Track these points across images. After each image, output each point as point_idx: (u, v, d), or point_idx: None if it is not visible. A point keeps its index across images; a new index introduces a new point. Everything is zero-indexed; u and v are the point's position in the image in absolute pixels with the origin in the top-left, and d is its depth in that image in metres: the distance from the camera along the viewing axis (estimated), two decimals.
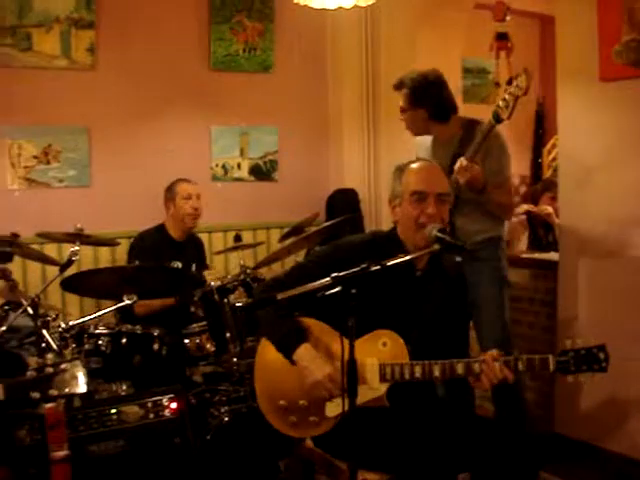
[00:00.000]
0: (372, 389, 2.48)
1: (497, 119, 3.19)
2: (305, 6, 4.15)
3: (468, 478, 2.56)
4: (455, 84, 5.25)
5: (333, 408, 2.52)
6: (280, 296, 2.19)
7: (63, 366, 2.14)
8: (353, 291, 2.14)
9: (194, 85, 5.27)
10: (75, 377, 2.20)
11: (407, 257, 2.39)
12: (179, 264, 4.37)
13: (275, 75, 5.57)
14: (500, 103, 3.17)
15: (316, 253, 2.83)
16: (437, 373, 2.44)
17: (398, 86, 3.66)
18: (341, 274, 2.17)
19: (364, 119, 5.62)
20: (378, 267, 2.24)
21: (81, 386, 2.20)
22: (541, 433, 4.09)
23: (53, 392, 2.17)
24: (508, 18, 5.26)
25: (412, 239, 2.60)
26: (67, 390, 2.18)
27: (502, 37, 5.44)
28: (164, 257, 4.30)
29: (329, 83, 5.75)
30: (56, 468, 2.49)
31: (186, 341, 3.91)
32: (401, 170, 2.68)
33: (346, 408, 2.38)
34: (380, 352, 2.50)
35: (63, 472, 2.48)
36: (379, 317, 2.52)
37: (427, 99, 3.57)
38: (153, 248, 4.33)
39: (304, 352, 2.52)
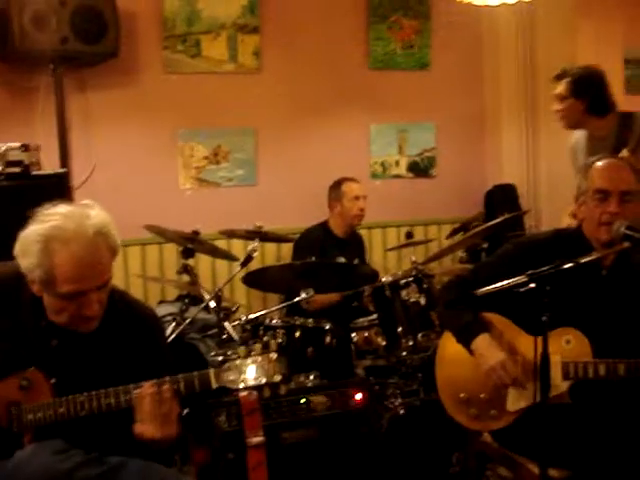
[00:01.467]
0: (554, 386, 2.47)
1: None
2: (461, 2, 4.16)
3: None
4: (617, 75, 5.14)
5: (514, 402, 2.54)
6: (478, 293, 2.24)
7: (268, 356, 2.27)
8: (547, 288, 2.17)
9: (354, 84, 5.37)
10: (269, 367, 2.32)
11: (599, 254, 2.38)
12: (342, 260, 4.49)
13: (432, 72, 5.60)
14: None
15: (499, 252, 2.84)
16: (622, 372, 2.42)
17: (561, 75, 3.66)
18: (536, 271, 2.19)
19: (522, 113, 5.57)
20: (571, 264, 2.25)
21: (277, 376, 2.32)
22: None
23: (250, 381, 2.31)
24: None
25: (596, 237, 2.58)
26: (262, 379, 2.31)
27: None
28: (328, 253, 4.44)
29: (486, 78, 5.71)
30: (252, 453, 2.64)
31: (353, 335, 4.01)
32: (588, 167, 2.66)
33: (528, 403, 2.44)
34: (563, 349, 2.49)
35: (258, 457, 2.64)
36: (564, 315, 2.50)
37: (589, 90, 3.57)
38: (318, 245, 4.49)
39: (481, 341, 2.55)
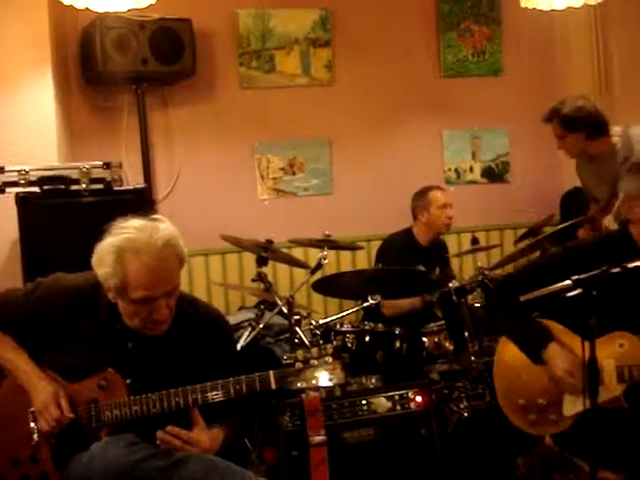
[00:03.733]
0: (609, 390, 2.49)
1: None
2: (533, 8, 4.19)
3: None
4: None
5: (570, 407, 2.58)
6: (523, 298, 2.30)
7: (324, 359, 2.39)
8: (594, 292, 2.21)
9: (426, 92, 5.43)
10: (334, 371, 2.45)
11: None
12: (422, 268, 4.54)
13: (504, 78, 5.61)
14: None
15: (549, 254, 2.90)
16: None
17: (549, 117, 3.83)
18: (582, 276, 2.22)
19: None
20: (618, 269, 2.28)
21: (339, 379, 2.45)
22: None
23: (313, 383, 2.44)
24: None
25: None
26: (326, 381, 2.44)
27: None
28: (409, 261, 4.45)
29: (559, 82, 5.65)
30: (315, 451, 2.77)
31: (424, 339, 4.09)
32: None
33: (583, 408, 2.45)
34: (617, 353, 2.51)
35: (321, 455, 2.76)
36: (616, 319, 2.52)
37: (582, 121, 3.72)
38: (400, 252, 4.56)
39: (552, 350, 2.59)
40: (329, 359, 2.42)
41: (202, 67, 4.76)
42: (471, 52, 5.52)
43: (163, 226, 2.36)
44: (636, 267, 2.34)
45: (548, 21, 5.37)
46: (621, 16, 5.25)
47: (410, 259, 4.50)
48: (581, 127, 3.73)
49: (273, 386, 2.38)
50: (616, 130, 3.81)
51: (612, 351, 2.52)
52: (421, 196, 4.72)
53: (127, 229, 2.34)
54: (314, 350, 2.40)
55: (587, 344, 2.22)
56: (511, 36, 5.57)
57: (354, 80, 5.28)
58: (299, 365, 2.41)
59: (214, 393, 2.36)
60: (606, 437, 2.35)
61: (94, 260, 2.35)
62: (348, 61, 5.25)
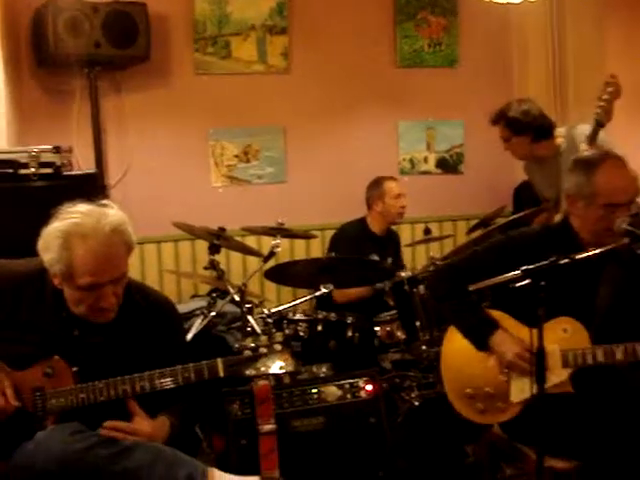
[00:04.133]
0: (555, 375, 2.53)
1: (600, 124, 3.30)
2: (490, 0, 4.22)
3: None
4: None
5: (517, 393, 2.62)
6: (472, 287, 2.32)
7: (273, 347, 2.40)
8: (542, 283, 2.23)
9: (382, 82, 5.45)
10: (282, 358, 2.45)
11: (597, 251, 2.43)
12: (376, 257, 4.58)
13: (460, 69, 5.65)
14: (598, 110, 3.25)
15: (491, 243, 2.92)
16: (620, 356, 2.48)
17: (496, 120, 3.89)
18: (531, 267, 2.25)
19: (551, 111, 5.54)
20: (567, 260, 2.31)
21: (289, 367, 2.46)
22: None
23: (262, 370, 2.45)
24: None
25: (600, 242, 2.57)
26: (276, 369, 2.44)
27: None
28: (364, 250, 4.50)
29: (514, 75, 5.74)
30: (264, 440, 2.76)
31: (377, 329, 4.11)
32: (592, 167, 2.63)
33: (530, 394, 2.48)
34: (561, 339, 2.55)
35: (271, 444, 2.75)
36: (560, 305, 2.54)
37: (528, 124, 3.78)
38: (354, 241, 4.58)
39: (498, 337, 2.64)
40: (278, 347, 2.43)
41: (157, 52, 4.70)
42: (427, 43, 5.55)
43: (111, 212, 2.32)
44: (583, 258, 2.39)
45: (504, 14, 5.43)
46: (576, 11, 5.31)
47: (364, 248, 4.53)
48: (526, 130, 3.79)
49: (221, 374, 2.37)
50: (560, 131, 3.88)
51: (556, 336, 2.56)
52: (376, 186, 4.75)
53: (74, 214, 2.29)
54: (263, 338, 2.41)
55: (534, 331, 2.25)
56: (467, 28, 5.62)
57: (310, 68, 5.27)
58: (248, 353, 2.41)
59: (162, 381, 2.35)
60: (554, 423, 2.37)
61: (40, 245, 2.31)
62: (304, 49, 5.25)
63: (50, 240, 2.27)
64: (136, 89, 4.86)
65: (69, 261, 2.24)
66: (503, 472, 3.41)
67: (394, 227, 5.15)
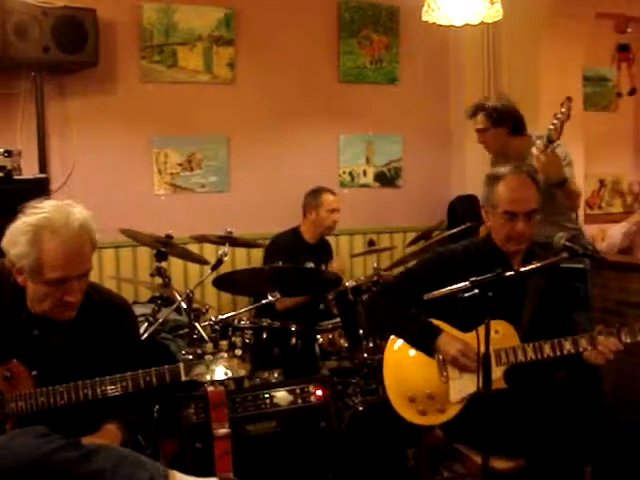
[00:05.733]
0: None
1: (550, 139, 3.42)
2: (433, 22, 4.38)
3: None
4: (577, 93, 5.38)
5: (456, 394, 2.77)
6: (426, 297, 2.46)
7: (224, 354, 2.47)
8: (490, 294, 2.39)
9: (324, 96, 5.56)
10: (235, 363, 2.52)
11: (539, 264, 2.61)
12: (312, 265, 4.68)
13: (400, 86, 5.80)
14: (551, 126, 3.38)
15: (423, 261, 3.10)
16: (547, 351, 2.69)
17: (474, 112, 3.98)
18: (479, 278, 2.41)
19: None
20: (512, 272, 2.49)
21: (241, 371, 2.53)
22: None
23: (217, 375, 2.51)
24: (629, 30, 5.34)
25: (505, 248, 2.86)
26: (230, 374, 2.51)
27: (624, 49, 5.55)
28: (298, 259, 4.60)
29: (451, 93, 5.93)
30: (219, 443, 2.83)
31: (318, 337, 4.19)
32: (495, 180, 2.91)
33: (469, 392, 2.69)
34: (494, 339, 2.63)
35: (225, 447, 2.81)
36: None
37: (507, 115, 3.88)
38: (288, 250, 4.65)
39: (443, 339, 2.80)
40: (239, 352, 2.51)
41: (104, 58, 4.70)
42: (369, 60, 5.68)
43: (77, 210, 2.38)
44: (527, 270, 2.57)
45: (443, 33, 5.62)
46: (512, 31, 5.54)
47: (298, 257, 4.62)
48: (506, 121, 3.87)
49: (183, 377, 2.43)
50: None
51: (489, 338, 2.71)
52: (314, 196, 4.86)
53: (43, 209, 2.33)
54: (223, 343, 2.48)
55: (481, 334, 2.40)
56: (408, 47, 5.78)
57: (255, 80, 5.34)
58: (209, 358, 2.47)
59: (123, 384, 2.39)
60: (491, 421, 2.47)
61: (5, 241, 2.33)
62: (250, 61, 5.31)
63: (18, 235, 2.30)
64: (82, 95, 4.84)
65: (39, 255, 2.27)
66: (441, 474, 3.55)
67: (334, 237, 5.29)
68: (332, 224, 4.83)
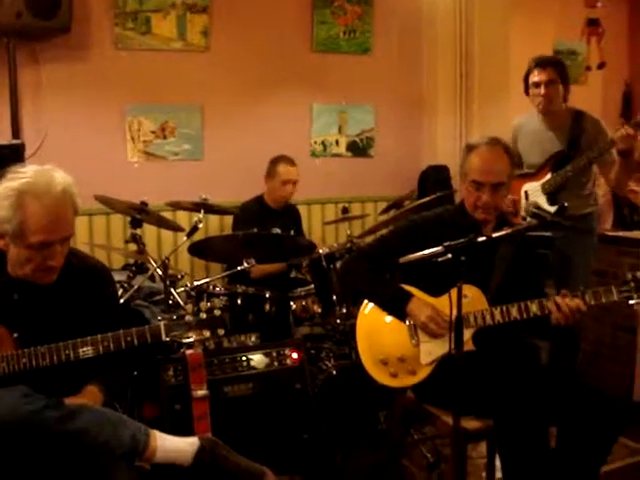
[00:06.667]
0: None
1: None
2: None
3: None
4: None
5: (426, 356, 2.87)
6: (401, 260, 2.53)
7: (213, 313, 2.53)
8: (463, 258, 2.46)
9: (297, 66, 5.57)
10: (217, 325, 2.59)
11: (509, 230, 2.68)
12: (278, 231, 4.74)
13: (373, 56, 5.83)
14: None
15: (396, 228, 3.18)
16: (515, 313, 2.77)
17: (545, 62, 4.04)
18: (452, 243, 2.47)
19: (457, 99, 5.87)
20: (484, 238, 2.55)
21: (220, 330, 2.59)
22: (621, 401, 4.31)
23: (199, 336, 2.57)
24: (599, 4, 5.42)
25: (475, 216, 2.94)
26: (207, 334, 2.57)
27: (593, 23, 5.64)
28: (265, 225, 4.62)
29: (424, 64, 5.96)
30: (197, 405, 2.89)
31: (292, 303, 4.26)
32: (470, 149, 2.97)
33: (440, 354, 2.80)
34: (463, 304, 2.71)
35: (203, 409, 2.89)
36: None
37: (568, 78, 4.05)
38: (255, 217, 4.70)
39: (414, 304, 2.90)
40: (217, 312, 2.57)
41: (77, 24, 4.66)
42: (342, 30, 5.69)
43: (59, 174, 2.40)
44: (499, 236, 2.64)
45: (417, 6, 5.67)
46: (483, 6, 5.60)
47: (265, 224, 4.66)
48: (568, 84, 4.04)
49: (164, 337, 2.48)
50: None
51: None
52: (273, 164, 4.89)
53: (26, 173, 2.36)
54: (202, 305, 2.54)
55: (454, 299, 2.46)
56: (381, 17, 5.80)
57: (229, 48, 5.34)
58: (189, 318, 2.54)
59: (104, 344, 2.44)
60: (460, 382, 2.54)
61: None
62: (224, 29, 5.30)
63: (0, 199, 2.32)
64: (55, 61, 4.80)
65: (22, 218, 2.30)
66: (412, 436, 3.66)
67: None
68: (286, 195, 4.86)
